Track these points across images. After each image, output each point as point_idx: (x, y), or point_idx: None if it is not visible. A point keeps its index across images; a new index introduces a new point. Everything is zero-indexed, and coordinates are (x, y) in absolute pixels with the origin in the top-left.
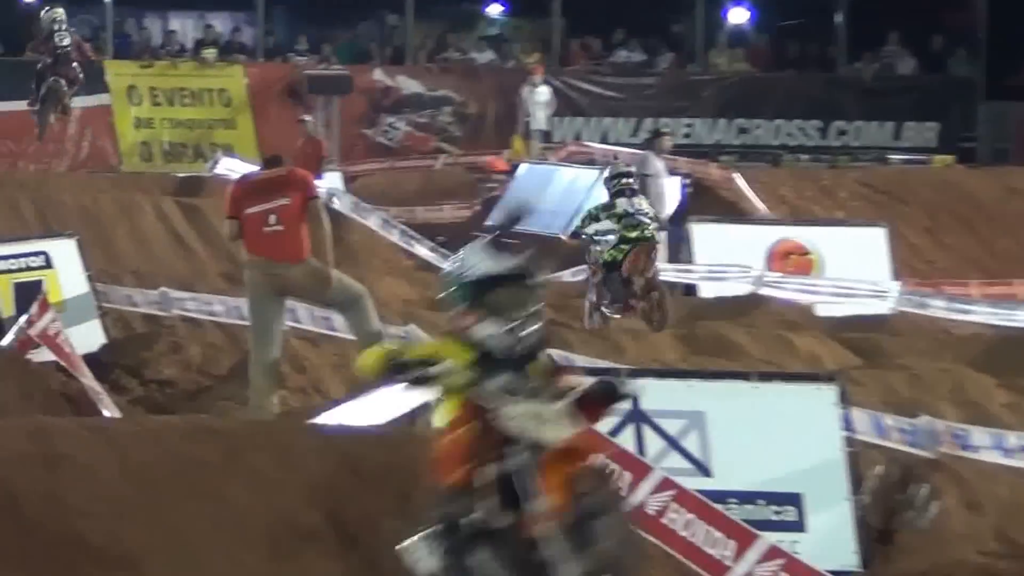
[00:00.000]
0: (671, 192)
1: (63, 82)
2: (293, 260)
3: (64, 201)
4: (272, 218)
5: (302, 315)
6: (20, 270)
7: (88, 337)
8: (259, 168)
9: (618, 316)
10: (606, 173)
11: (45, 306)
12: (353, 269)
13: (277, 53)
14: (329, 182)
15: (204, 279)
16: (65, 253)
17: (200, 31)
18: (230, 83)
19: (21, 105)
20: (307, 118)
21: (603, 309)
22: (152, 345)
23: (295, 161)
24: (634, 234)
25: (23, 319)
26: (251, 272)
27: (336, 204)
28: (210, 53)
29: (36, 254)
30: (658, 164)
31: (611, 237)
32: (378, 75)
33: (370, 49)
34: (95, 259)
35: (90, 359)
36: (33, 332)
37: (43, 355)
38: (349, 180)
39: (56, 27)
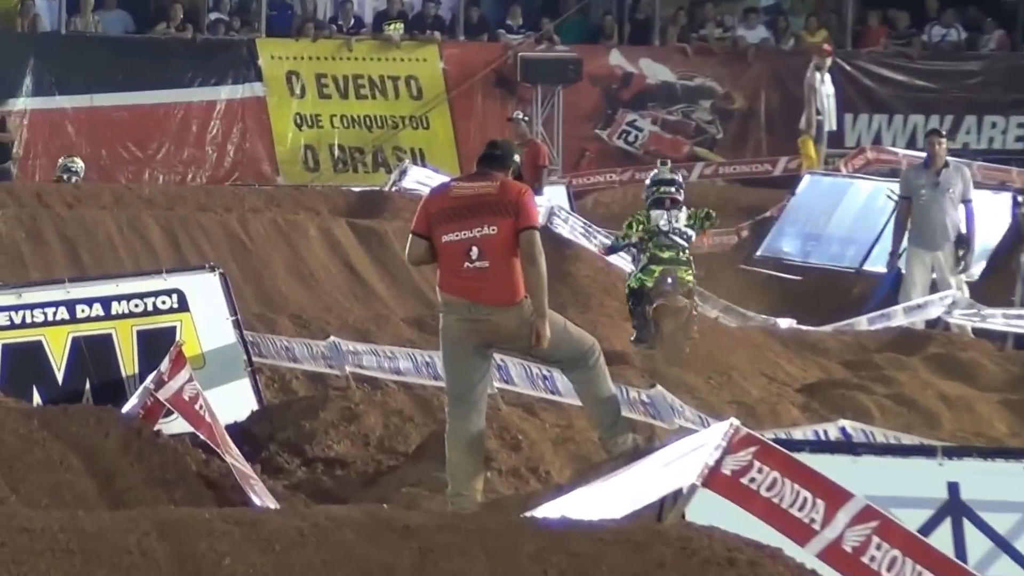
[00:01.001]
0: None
1: None
2: (502, 304)
3: (204, 223)
4: (475, 251)
5: (515, 374)
6: (146, 313)
7: (235, 402)
8: (461, 177)
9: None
10: (649, 178)
11: (179, 361)
12: (580, 313)
13: (483, 30)
14: (550, 198)
15: (386, 326)
16: (205, 292)
17: (383, 0)
18: (422, 69)
19: (150, 96)
20: (521, 115)
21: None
22: (318, 412)
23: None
24: (667, 255)
25: (150, 378)
26: (448, 318)
27: (559, 227)
28: (396, 29)
29: (167, 293)
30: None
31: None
32: (615, 58)
33: (605, 24)
34: (244, 299)
35: (237, 431)
36: (163, 395)
37: (176, 425)
38: (576, 196)
39: None
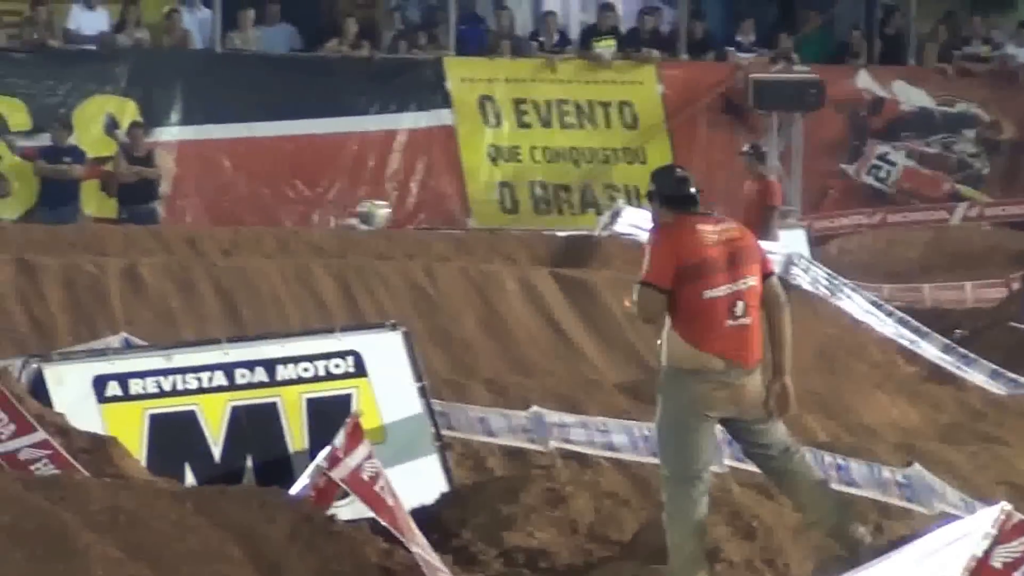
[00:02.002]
0: None
1: None
2: (755, 364)
3: (383, 273)
4: (740, 306)
5: (738, 447)
6: (317, 379)
7: (421, 482)
8: (695, 218)
9: None
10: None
11: (356, 435)
12: (824, 378)
13: (708, 47)
14: (787, 244)
15: (597, 393)
16: (385, 354)
17: (591, 13)
18: (637, 92)
19: (320, 125)
20: (756, 147)
21: None
22: (518, 495)
23: (743, 212)
24: None
25: (323, 455)
26: (696, 384)
27: (798, 278)
28: (607, 46)
29: (341, 355)
30: None
31: None
32: (863, 81)
33: (851, 41)
34: (431, 362)
35: (424, 516)
36: (338, 475)
37: (353, 510)
38: (818, 241)
39: None
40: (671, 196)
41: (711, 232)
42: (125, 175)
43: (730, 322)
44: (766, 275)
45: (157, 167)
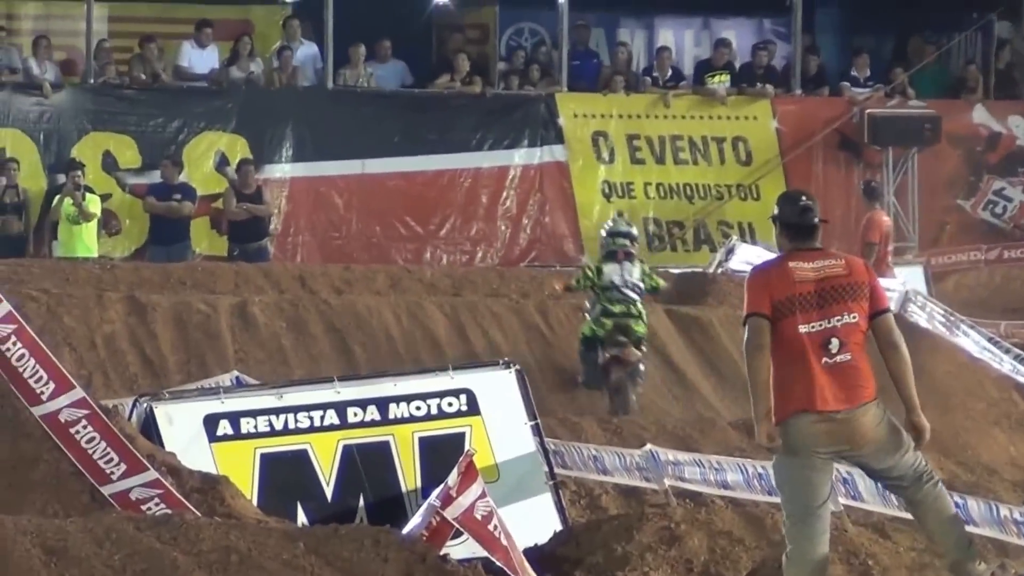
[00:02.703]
0: None
1: None
2: (862, 402)
3: (496, 311)
4: (834, 343)
5: (863, 488)
6: (430, 417)
7: (535, 521)
8: (793, 254)
9: None
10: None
11: (470, 473)
12: (941, 416)
13: (823, 82)
14: (904, 280)
15: (711, 432)
16: (499, 392)
17: (706, 47)
18: (751, 128)
19: (432, 161)
20: (866, 184)
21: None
22: (632, 534)
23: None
24: (618, 308)
25: (436, 494)
26: (797, 421)
27: (915, 315)
28: (721, 82)
29: (455, 393)
30: None
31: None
32: (980, 115)
33: (967, 75)
34: (545, 401)
35: (538, 555)
36: (452, 514)
37: (467, 548)
38: (935, 278)
39: None
40: (792, 224)
41: (808, 269)
42: (235, 213)
43: (825, 359)
44: (878, 312)
45: (267, 204)
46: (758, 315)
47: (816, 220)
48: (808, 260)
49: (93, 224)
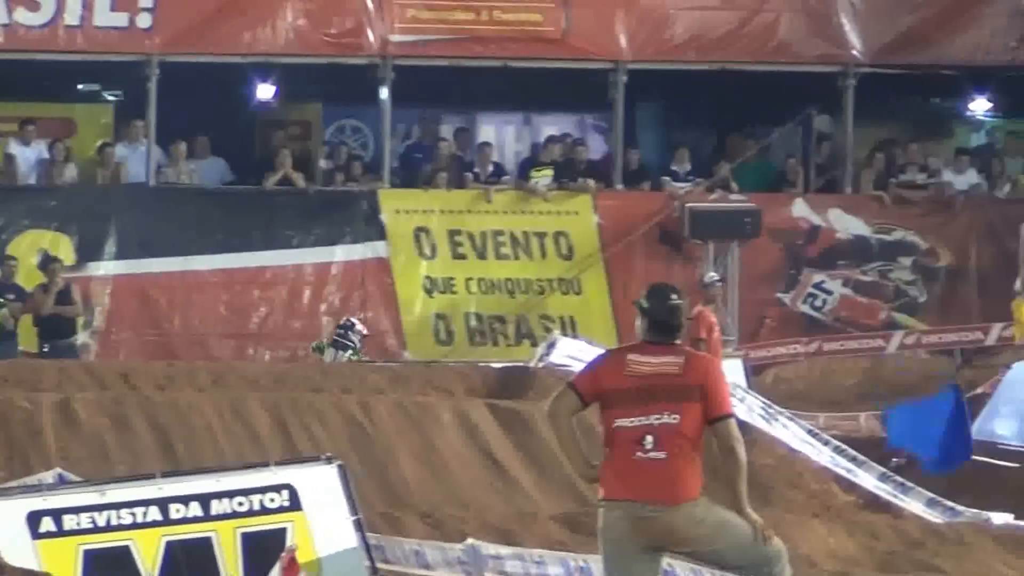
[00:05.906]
0: None
1: None
2: (675, 501)
3: (318, 407)
4: (648, 440)
5: None
6: (252, 513)
7: None
8: (636, 347)
9: None
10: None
11: (293, 569)
12: (762, 508)
13: (643, 177)
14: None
15: (532, 526)
16: (320, 487)
17: (526, 143)
18: (573, 223)
19: (254, 258)
20: (717, 278)
21: None
22: None
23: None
24: None
25: None
26: (609, 515)
27: (734, 408)
28: (543, 176)
29: (276, 489)
30: None
31: None
32: (800, 209)
33: (787, 168)
34: (367, 495)
35: None
36: None
37: None
38: (754, 371)
39: None
40: (657, 321)
41: (644, 363)
42: (44, 310)
43: (639, 454)
44: (717, 418)
45: (77, 304)
46: (572, 388)
47: (680, 322)
48: (652, 355)
49: None
